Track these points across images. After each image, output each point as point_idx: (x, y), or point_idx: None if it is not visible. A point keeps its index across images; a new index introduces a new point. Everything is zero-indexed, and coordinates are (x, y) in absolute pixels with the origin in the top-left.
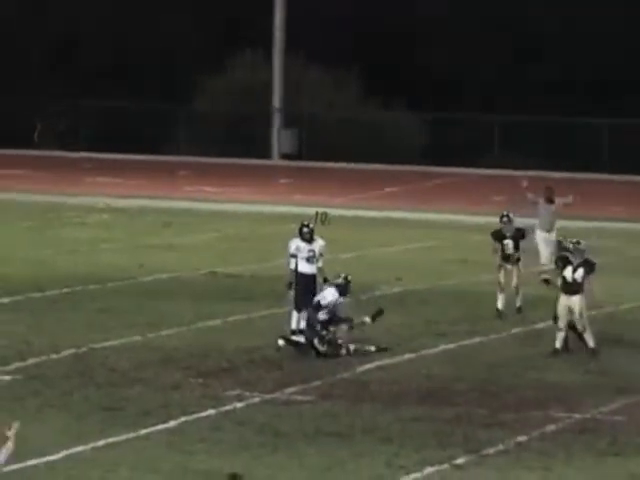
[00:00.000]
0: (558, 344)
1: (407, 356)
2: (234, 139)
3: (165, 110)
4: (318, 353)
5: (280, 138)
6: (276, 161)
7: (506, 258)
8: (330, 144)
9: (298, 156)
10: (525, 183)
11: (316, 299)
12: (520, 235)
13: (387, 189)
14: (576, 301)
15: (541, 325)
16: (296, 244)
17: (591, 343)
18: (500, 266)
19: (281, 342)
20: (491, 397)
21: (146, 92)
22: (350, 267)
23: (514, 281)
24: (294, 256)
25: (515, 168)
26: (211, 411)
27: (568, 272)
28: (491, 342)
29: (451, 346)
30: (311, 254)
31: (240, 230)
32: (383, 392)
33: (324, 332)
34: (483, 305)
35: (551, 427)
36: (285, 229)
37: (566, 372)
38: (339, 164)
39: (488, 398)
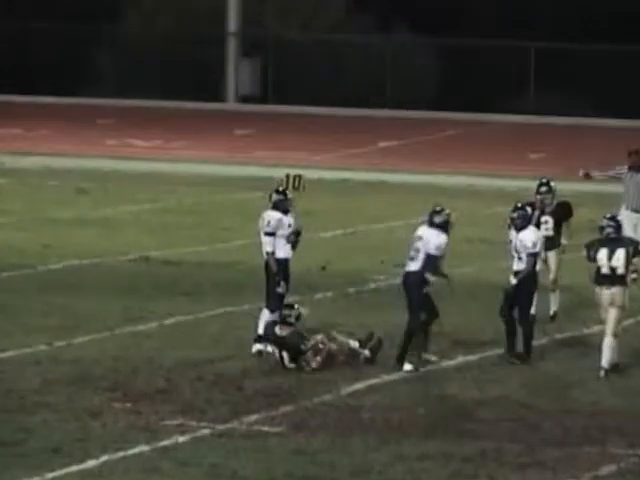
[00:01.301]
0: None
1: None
2: (174, 75)
3: (81, 34)
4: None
5: (237, 73)
6: (232, 105)
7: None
8: (305, 81)
9: (261, 98)
10: (582, 172)
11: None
12: (564, 212)
13: (382, 143)
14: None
15: (593, 330)
16: (276, 218)
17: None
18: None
19: (260, 347)
20: (527, 427)
21: (52, 10)
22: (333, 250)
23: (552, 274)
24: (272, 235)
25: (557, 114)
26: (143, 447)
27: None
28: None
29: (472, 358)
30: (290, 231)
31: (183, 199)
32: (378, 421)
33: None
34: None
35: (609, 468)
36: (244, 198)
37: (627, 394)
38: (317, 109)
39: (523, 428)
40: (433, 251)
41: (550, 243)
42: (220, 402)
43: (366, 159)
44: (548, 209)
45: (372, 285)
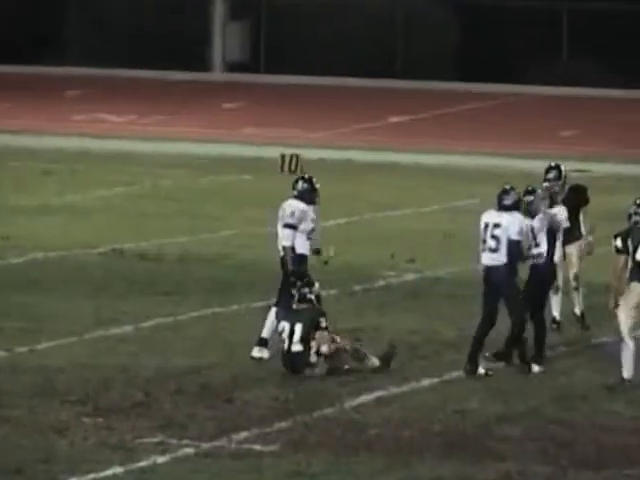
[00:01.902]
0: None
1: (425, 382)
2: (151, 40)
3: None
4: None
5: (224, 38)
6: (218, 75)
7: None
8: (302, 48)
9: (252, 67)
10: None
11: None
12: (578, 198)
13: (392, 119)
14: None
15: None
16: (300, 209)
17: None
18: None
19: (258, 354)
20: (558, 447)
21: None
22: (336, 242)
23: (572, 270)
24: (293, 227)
25: (593, 85)
26: (117, 468)
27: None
28: (556, 361)
29: (494, 366)
30: (312, 227)
31: (161, 183)
32: (387, 439)
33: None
34: None
35: None
36: (232, 181)
37: None
38: (317, 79)
39: (552, 448)
40: (516, 236)
41: (569, 235)
42: (205, 417)
43: (373, 137)
44: (559, 198)
45: (381, 282)
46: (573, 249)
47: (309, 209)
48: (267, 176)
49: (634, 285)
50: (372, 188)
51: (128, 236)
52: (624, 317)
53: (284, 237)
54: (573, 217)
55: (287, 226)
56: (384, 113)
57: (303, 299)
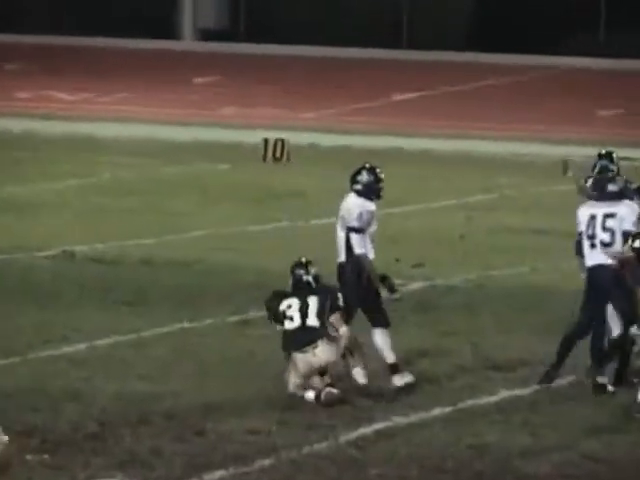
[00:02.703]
0: None
1: (436, 411)
2: (109, 4)
3: None
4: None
5: (196, 0)
6: (189, 43)
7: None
8: (290, 12)
9: (230, 34)
10: None
11: None
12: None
13: (397, 96)
14: None
15: None
16: (370, 209)
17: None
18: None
19: (401, 381)
20: None
21: None
22: (329, 243)
23: None
24: (361, 232)
25: (635, 56)
26: None
27: None
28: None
29: (519, 392)
30: (375, 228)
31: (121, 174)
32: (390, 478)
33: None
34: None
35: None
36: (205, 172)
37: None
38: (306, 49)
39: None
40: (631, 227)
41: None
42: (173, 453)
43: (374, 118)
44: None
45: (383, 292)
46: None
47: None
48: (248, 165)
49: None
50: None
51: (82, 237)
52: None
53: (355, 244)
54: None
55: (354, 230)
56: (387, 90)
57: (299, 282)
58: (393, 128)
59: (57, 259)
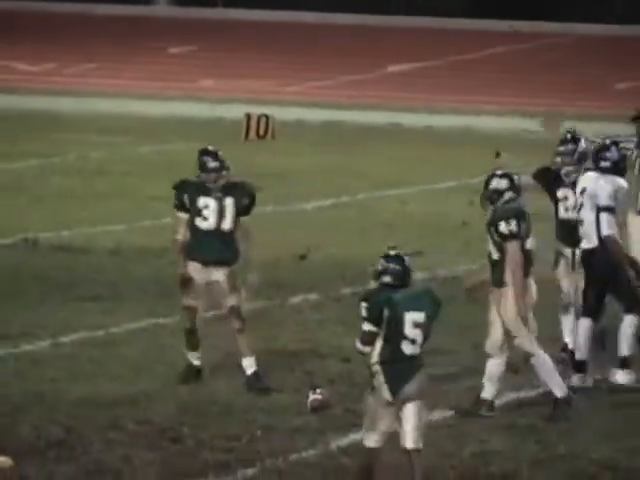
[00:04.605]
0: None
1: (436, 415)
2: None
3: None
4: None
5: None
6: (163, 8)
7: (566, 233)
8: None
9: None
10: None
11: None
12: None
13: (393, 67)
14: None
15: None
16: (621, 185)
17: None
18: (557, 253)
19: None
20: None
21: None
22: (317, 230)
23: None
24: (613, 211)
25: None
26: None
27: None
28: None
29: (526, 394)
30: None
31: (88, 154)
32: None
33: None
34: None
35: None
36: (180, 151)
37: None
38: (292, 15)
39: None
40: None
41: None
42: (146, 462)
43: (368, 90)
44: (568, 179)
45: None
46: None
47: None
48: (228, 143)
49: None
50: (366, 159)
51: (45, 223)
52: None
53: (604, 224)
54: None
55: (606, 209)
56: (381, 60)
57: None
58: (388, 102)
59: (17, 248)
